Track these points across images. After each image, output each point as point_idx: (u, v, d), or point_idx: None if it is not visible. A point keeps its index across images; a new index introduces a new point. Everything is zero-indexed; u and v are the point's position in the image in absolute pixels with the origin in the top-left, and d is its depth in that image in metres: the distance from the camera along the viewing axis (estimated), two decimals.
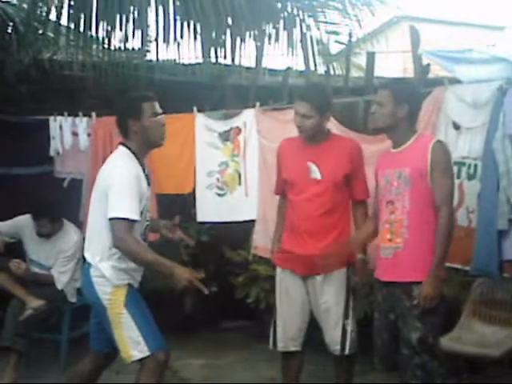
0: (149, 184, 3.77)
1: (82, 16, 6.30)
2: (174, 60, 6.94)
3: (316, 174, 4.18)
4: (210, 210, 5.80)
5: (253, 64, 6.82)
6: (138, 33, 6.55)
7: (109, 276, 3.60)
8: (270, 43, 6.80)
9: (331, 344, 4.23)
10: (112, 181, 3.54)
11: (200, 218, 5.84)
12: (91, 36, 6.52)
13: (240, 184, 5.66)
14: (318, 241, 4.15)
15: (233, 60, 6.68)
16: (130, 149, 3.70)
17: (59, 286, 5.44)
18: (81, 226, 5.79)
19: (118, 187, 3.50)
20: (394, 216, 3.70)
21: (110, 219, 3.48)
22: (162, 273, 3.58)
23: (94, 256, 3.65)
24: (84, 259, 3.81)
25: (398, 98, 3.71)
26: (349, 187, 4.21)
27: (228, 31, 6.58)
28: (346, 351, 4.20)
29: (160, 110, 3.77)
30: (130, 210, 3.48)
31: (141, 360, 3.59)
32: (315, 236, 4.17)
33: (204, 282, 3.53)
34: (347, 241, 4.17)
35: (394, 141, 3.81)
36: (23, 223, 5.55)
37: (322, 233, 4.17)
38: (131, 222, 3.49)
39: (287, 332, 4.34)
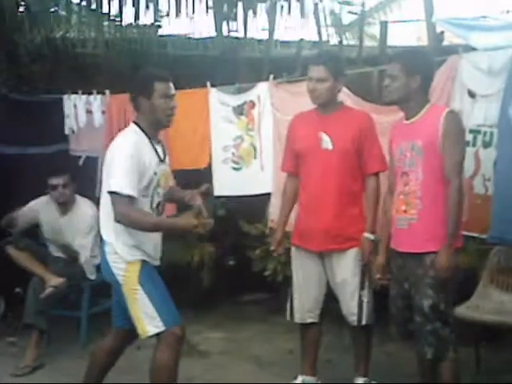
0: (162, 161, 3.76)
1: None
2: (186, 35, 6.93)
3: (327, 143, 4.17)
4: (226, 184, 5.81)
5: (265, 36, 6.79)
6: (150, 8, 6.55)
7: (120, 252, 3.63)
8: (282, 15, 6.77)
9: (348, 315, 4.25)
10: (113, 158, 3.58)
11: (217, 192, 5.85)
12: (103, 13, 6.51)
13: (255, 158, 5.66)
14: (330, 214, 4.17)
15: (245, 33, 6.66)
16: (139, 126, 3.71)
17: (82, 260, 5.47)
18: (98, 203, 5.82)
19: (117, 163, 3.53)
20: (408, 187, 3.69)
21: (109, 193, 3.54)
22: (169, 233, 3.70)
23: (108, 233, 3.70)
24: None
25: (409, 70, 3.67)
26: (361, 160, 4.19)
27: (240, 4, 6.56)
28: (363, 321, 4.22)
29: (173, 92, 3.73)
30: (127, 185, 3.48)
31: (158, 335, 3.61)
32: (328, 209, 4.17)
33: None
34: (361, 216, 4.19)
35: (407, 112, 3.78)
36: (38, 206, 5.59)
37: (336, 206, 4.17)
38: (131, 198, 3.50)
39: (304, 304, 4.37)
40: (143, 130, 3.71)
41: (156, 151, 3.73)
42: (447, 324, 3.62)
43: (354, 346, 4.40)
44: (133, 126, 3.74)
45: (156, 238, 3.77)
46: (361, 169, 4.20)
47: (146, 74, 3.84)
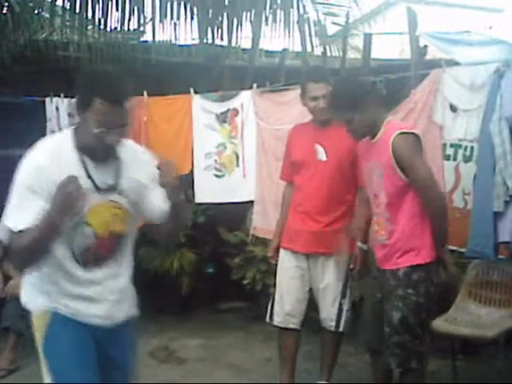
0: (101, 190, 2.64)
1: None
2: (171, 41, 6.91)
3: (322, 155, 4.25)
4: (207, 191, 5.81)
5: (249, 45, 6.80)
6: (135, 13, 6.53)
7: (26, 297, 2.88)
8: (266, 24, 6.77)
9: (327, 320, 4.33)
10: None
11: (198, 199, 5.85)
12: (87, 17, 6.49)
13: (238, 165, 5.67)
14: (321, 220, 4.26)
15: (229, 41, 6.66)
16: (76, 137, 2.65)
17: None
18: None
19: (15, 185, 2.59)
20: (378, 209, 3.73)
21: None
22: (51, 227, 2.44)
23: None
24: None
25: (353, 105, 3.62)
26: (356, 172, 4.19)
27: (225, 12, 6.56)
28: (341, 328, 4.30)
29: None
30: (19, 219, 2.51)
31: None
32: (319, 215, 4.26)
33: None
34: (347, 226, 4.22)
35: (370, 135, 3.76)
36: None
37: (326, 212, 4.26)
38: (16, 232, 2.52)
39: (285, 307, 4.40)
40: (79, 144, 2.63)
41: (90, 176, 2.62)
42: (416, 337, 3.61)
43: (321, 351, 4.47)
44: (65, 134, 2.71)
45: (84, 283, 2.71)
46: (354, 180, 4.23)
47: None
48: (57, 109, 6.20)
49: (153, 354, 5.49)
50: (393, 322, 3.62)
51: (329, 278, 4.30)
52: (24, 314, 4.99)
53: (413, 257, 3.59)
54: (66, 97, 6.18)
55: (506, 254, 4.46)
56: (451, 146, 4.57)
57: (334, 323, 4.31)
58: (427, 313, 3.71)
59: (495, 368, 4.28)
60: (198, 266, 6.39)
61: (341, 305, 4.29)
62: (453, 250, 4.61)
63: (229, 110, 5.70)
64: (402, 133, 3.57)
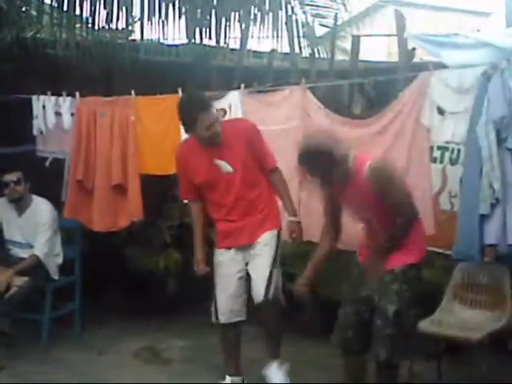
0: None
1: None
2: (159, 40, 6.90)
3: (227, 167, 4.37)
4: None
5: (238, 46, 6.80)
6: (123, 12, 6.52)
7: None
8: (255, 25, 6.78)
9: (257, 295, 4.37)
10: None
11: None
12: (75, 15, 6.47)
13: None
14: (247, 216, 4.44)
15: (218, 41, 6.66)
16: None
17: (42, 257, 5.38)
18: (62, 205, 5.79)
19: None
20: (370, 227, 3.92)
21: None
22: None
23: None
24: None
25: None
26: (259, 162, 4.42)
27: (213, 12, 6.56)
28: (270, 296, 4.32)
29: None
30: None
31: None
32: (244, 213, 4.44)
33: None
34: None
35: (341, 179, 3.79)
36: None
37: (250, 211, 4.44)
38: None
39: (227, 304, 4.55)
40: None
41: None
42: (404, 333, 3.73)
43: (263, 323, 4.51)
44: None
45: None
46: (262, 171, 4.46)
47: None
48: (43, 107, 6.15)
49: (137, 354, 5.47)
50: (387, 315, 3.69)
51: (261, 253, 4.41)
52: (8, 313, 5.05)
53: (408, 256, 3.74)
54: (53, 95, 6.14)
55: (492, 257, 4.48)
56: (438, 148, 4.58)
57: (262, 291, 4.32)
58: (416, 309, 3.85)
59: (480, 370, 4.29)
60: (185, 266, 6.36)
61: (270, 273, 4.34)
62: (439, 252, 4.63)
63: (216, 110, 5.67)
64: (372, 165, 3.69)
